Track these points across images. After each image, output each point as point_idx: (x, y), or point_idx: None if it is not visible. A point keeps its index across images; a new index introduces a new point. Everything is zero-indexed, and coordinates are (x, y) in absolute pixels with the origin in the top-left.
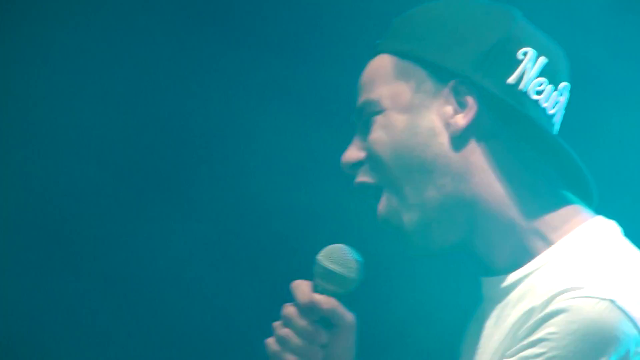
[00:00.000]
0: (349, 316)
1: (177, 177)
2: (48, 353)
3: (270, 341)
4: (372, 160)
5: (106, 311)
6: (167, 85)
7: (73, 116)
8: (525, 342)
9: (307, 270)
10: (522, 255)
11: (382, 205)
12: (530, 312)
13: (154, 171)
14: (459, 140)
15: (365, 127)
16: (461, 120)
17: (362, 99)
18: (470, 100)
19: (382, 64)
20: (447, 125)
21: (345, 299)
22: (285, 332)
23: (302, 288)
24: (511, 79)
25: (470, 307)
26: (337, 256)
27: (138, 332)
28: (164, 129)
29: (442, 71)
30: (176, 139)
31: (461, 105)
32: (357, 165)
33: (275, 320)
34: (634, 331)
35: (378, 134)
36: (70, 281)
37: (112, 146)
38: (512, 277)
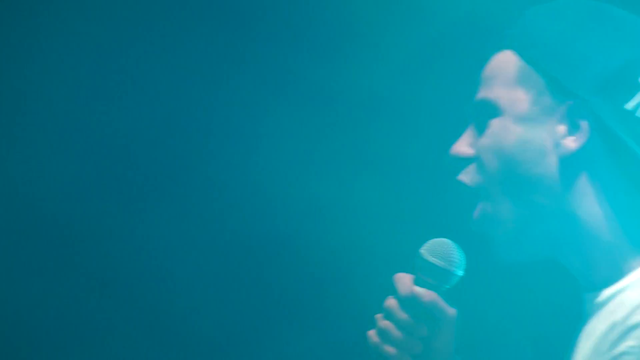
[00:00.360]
0: (450, 310)
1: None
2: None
3: (372, 333)
4: (480, 164)
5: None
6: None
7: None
8: (607, 356)
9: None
10: (616, 273)
11: (478, 211)
12: (613, 327)
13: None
14: (566, 162)
15: (479, 126)
16: (572, 143)
17: (481, 95)
18: (584, 125)
19: (507, 62)
20: (557, 145)
21: (446, 293)
22: (385, 324)
23: (403, 281)
24: (630, 104)
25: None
26: (440, 250)
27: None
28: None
29: (562, 89)
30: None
31: (574, 128)
32: (463, 161)
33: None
34: None
35: (492, 140)
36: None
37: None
38: (606, 293)
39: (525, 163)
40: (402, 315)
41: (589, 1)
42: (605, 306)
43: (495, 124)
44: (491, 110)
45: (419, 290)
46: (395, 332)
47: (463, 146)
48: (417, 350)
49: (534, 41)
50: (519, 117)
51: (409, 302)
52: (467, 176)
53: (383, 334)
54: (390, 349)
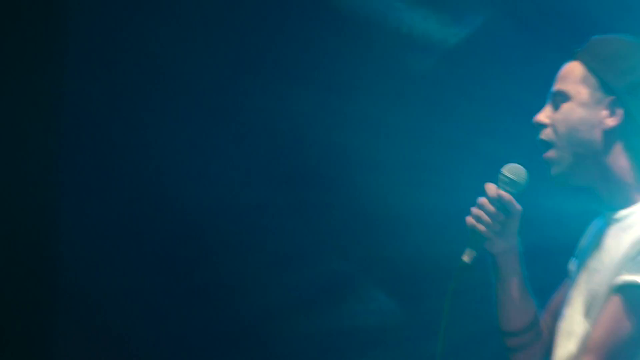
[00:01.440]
0: (517, 206)
1: None
2: None
3: (469, 218)
4: (554, 129)
5: None
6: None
7: None
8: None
9: None
10: (630, 201)
11: (550, 154)
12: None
13: None
14: (606, 134)
15: (556, 105)
16: (611, 122)
17: (557, 86)
18: (619, 111)
19: (575, 68)
20: (601, 123)
21: (515, 196)
22: (478, 212)
23: (491, 187)
24: None
25: None
26: (513, 170)
27: None
28: None
29: (609, 89)
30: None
31: (612, 113)
32: (542, 126)
33: None
34: None
35: (563, 115)
36: None
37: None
38: (621, 213)
39: (582, 131)
40: (490, 207)
41: (630, 37)
42: (619, 221)
43: (565, 106)
44: (564, 97)
45: (501, 192)
46: (485, 217)
47: (543, 117)
48: (497, 229)
49: (596, 58)
50: (580, 103)
51: (495, 200)
52: (545, 135)
53: (477, 218)
54: (481, 227)
